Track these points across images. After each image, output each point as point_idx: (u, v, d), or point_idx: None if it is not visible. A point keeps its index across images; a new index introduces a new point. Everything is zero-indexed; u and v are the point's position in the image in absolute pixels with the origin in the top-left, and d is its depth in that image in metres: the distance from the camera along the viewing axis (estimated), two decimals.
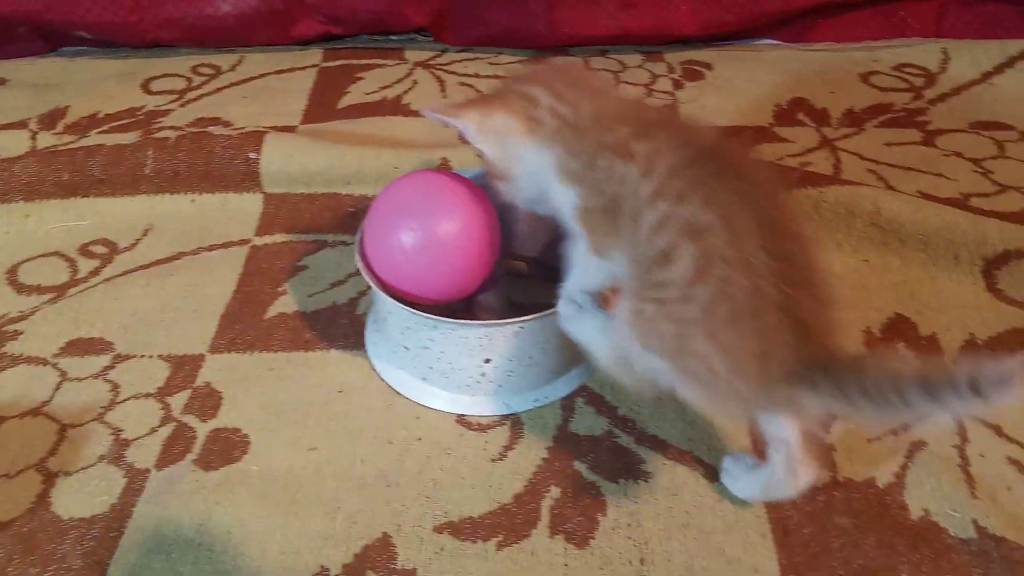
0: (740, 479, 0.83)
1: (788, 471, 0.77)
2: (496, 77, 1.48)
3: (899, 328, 0.99)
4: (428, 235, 0.88)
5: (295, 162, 1.19)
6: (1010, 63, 1.45)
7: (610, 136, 0.76)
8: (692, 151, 0.73)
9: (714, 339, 0.68)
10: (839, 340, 0.68)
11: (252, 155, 1.20)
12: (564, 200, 0.80)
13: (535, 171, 0.82)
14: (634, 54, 1.56)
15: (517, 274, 1.04)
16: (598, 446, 0.88)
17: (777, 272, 0.67)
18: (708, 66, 1.52)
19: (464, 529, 0.81)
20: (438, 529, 0.81)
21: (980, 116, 1.35)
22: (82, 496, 0.83)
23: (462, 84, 1.47)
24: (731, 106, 1.40)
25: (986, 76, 1.44)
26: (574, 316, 0.83)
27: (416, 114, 1.36)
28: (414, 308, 0.86)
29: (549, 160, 0.80)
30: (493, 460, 0.87)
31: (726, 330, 0.68)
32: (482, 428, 0.90)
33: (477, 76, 1.49)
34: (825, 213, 1.11)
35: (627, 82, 1.47)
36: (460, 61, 1.54)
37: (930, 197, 1.15)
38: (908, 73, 1.47)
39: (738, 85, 1.46)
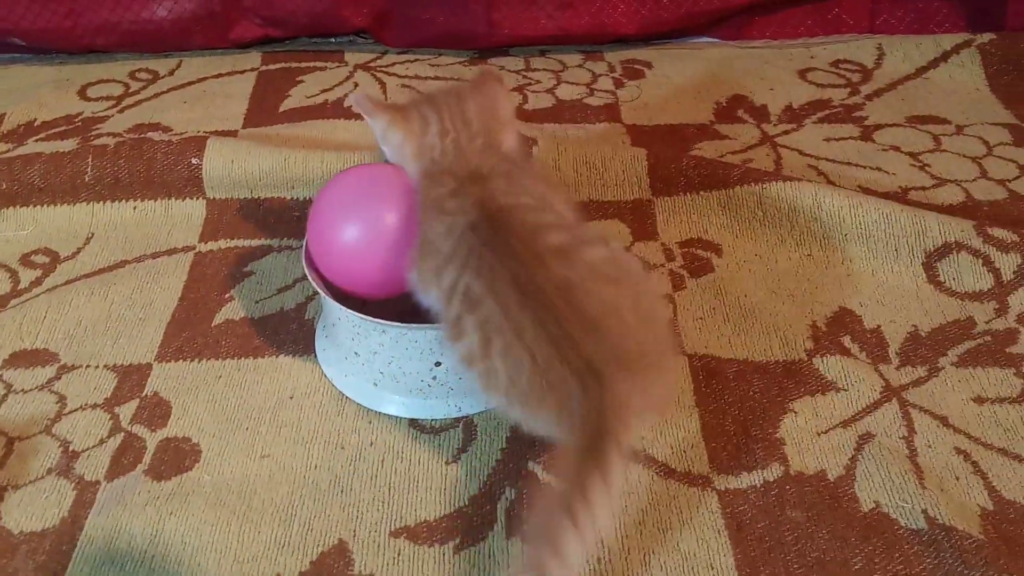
0: None
1: None
2: (437, 79, 1.48)
3: (844, 321, 1.02)
4: (372, 228, 0.87)
5: (238, 167, 1.18)
6: (944, 57, 1.50)
7: (437, 189, 0.81)
8: (478, 214, 0.76)
9: (525, 407, 0.73)
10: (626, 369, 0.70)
11: (194, 160, 1.18)
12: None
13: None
14: (575, 53, 1.57)
15: None
16: (552, 447, 0.89)
17: (544, 326, 0.70)
18: (648, 64, 1.54)
19: (421, 533, 0.81)
20: (395, 533, 0.81)
21: (916, 110, 1.39)
22: (33, 510, 0.82)
23: (403, 86, 1.47)
24: (672, 104, 1.42)
25: (920, 71, 1.48)
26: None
27: (358, 117, 1.35)
28: (364, 311, 0.86)
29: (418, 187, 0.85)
30: (447, 463, 0.87)
31: (530, 395, 0.71)
32: (435, 431, 0.91)
33: (418, 77, 1.49)
34: (768, 209, 1.14)
35: (568, 82, 1.48)
36: (401, 63, 1.54)
37: (870, 191, 1.18)
38: (844, 69, 1.51)
39: (678, 83, 1.48)
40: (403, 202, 0.87)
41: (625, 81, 1.49)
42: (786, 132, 1.35)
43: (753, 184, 1.15)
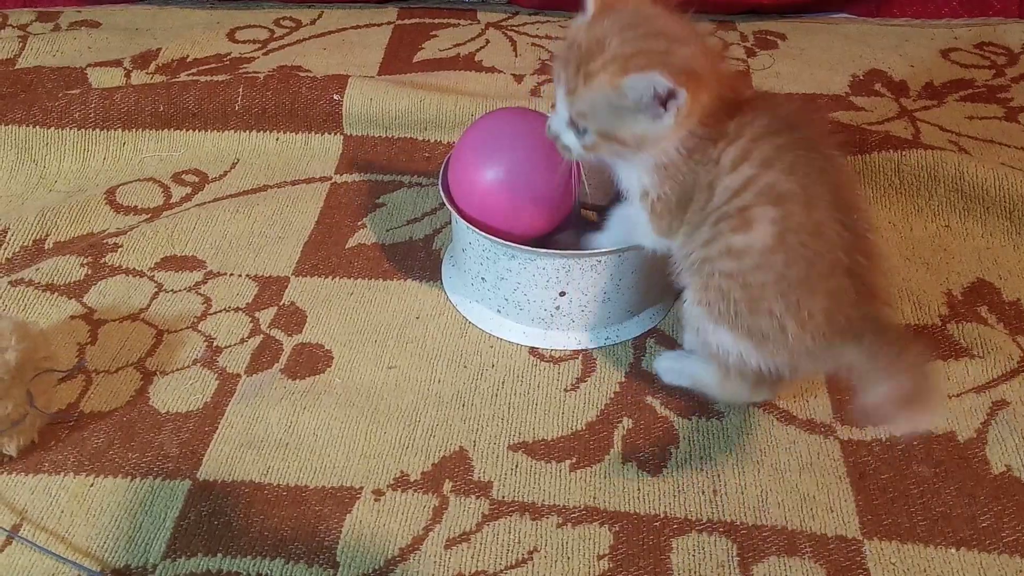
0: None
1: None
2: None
3: (981, 292, 0.99)
4: (513, 170, 0.90)
5: (376, 105, 1.22)
6: None
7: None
8: (775, 121, 0.74)
9: (786, 298, 0.71)
10: (891, 307, 0.73)
11: (336, 97, 1.22)
12: (634, 184, 0.80)
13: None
14: (706, 22, 1.56)
15: (586, 223, 1.05)
16: (670, 384, 0.89)
17: (846, 240, 0.71)
18: (782, 36, 1.51)
19: (538, 450, 0.83)
20: (513, 447, 0.83)
21: None
22: (178, 394, 0.87)
23: (534, 45, 1.48)
24: (806, 74, 1.40)
25: None
26: (676, 368, 0.88)
27: (490, 70, 1.38)
28: None
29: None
30: (566, 390, 0.89)
31: (799, 289, 0.71)
32: (554, 360, 0.92)
33: (548, 37, 1.50)
34: (906, 176, 1.11)
35: None
36: (532, 23, 1.56)
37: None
38: (989, 52, 1.45)
39: (813, 55, 1.45)
40: (545, 147, 0.89)
41: (757, 51, 1.47)
42: (926, 108, 1.31)
43: (892, 151, 1.13)
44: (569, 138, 0.78)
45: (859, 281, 0.71)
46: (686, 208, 0.77)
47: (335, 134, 1.23)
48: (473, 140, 0.93)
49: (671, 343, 0.94)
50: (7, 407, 0.76)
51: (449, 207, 0.92)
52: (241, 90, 1.22)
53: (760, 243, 0.71)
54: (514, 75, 1.37)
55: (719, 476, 0.81)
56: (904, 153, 1.12)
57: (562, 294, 0.91)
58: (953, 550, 0.74)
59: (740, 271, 0.73)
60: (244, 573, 0.72)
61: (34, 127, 1.16)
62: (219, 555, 0.73)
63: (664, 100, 0.70)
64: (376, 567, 0.73)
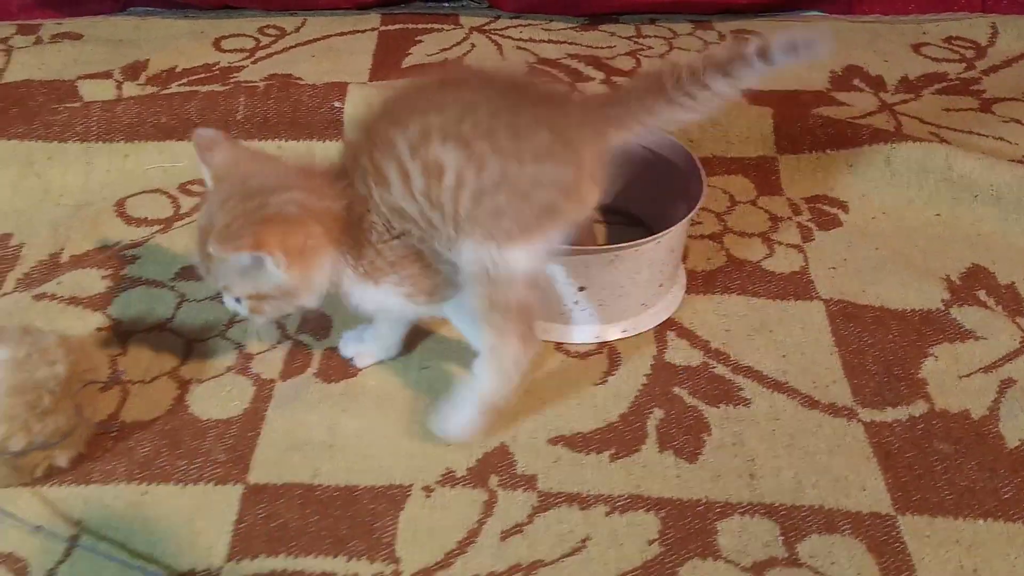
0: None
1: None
2: (551, 42, 1.51)
3: (978, 277, 1.04)
4: None
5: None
6: None
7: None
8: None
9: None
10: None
11: (336, 104, 1.23)
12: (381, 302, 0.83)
13: None
14: (684, 23, 1.59)
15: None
16: (695, 375, 0.92)
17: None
18: (758, 34, 1.55)
19: (577, 442, 0.85)
20: (552, 441, 0.85)
21: None
22: (216, 400, 0.88)
23: (519, 48, 1.50)
24: (786, 71, 1.43)
25: None
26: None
27: None
28: None
29: None
30: (595, 384, 0.91)
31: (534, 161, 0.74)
32: (580, 356, 0.94)
33: (532, 40, 1.52)
34: (897, 168, 1.16)
35: (681, 48, 1.51)
36: (515, 27, 1.57)
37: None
38: (958, 45, 1.51)
39: None
40: None
41: None
42: (904, 101, 1.36)
43: (883, 144, 1.17)
44: (238, 307, 0.80)
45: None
46: (432, 257, 0.79)
47: (337, 140, 1.23)
48: None
49: (691, 335, 0.96)
50: (59, 420, 0.77)
51: None
52: (242, 99, 1.22)
53: (454, 177, 0.73)
54: None
55: (753, 461, 0.84)
56: (894, 146, 1.16)
57: (581, 289, 0.93)
58: (981, 521, 0.78)
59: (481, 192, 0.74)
60: (308, 572, 0.73)
61: (36, 141, 1.15)
62: (281, 555, 0.75)
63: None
64: (437, 559, 0.75)
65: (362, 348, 0.92)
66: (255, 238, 0.71)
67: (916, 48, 1.50)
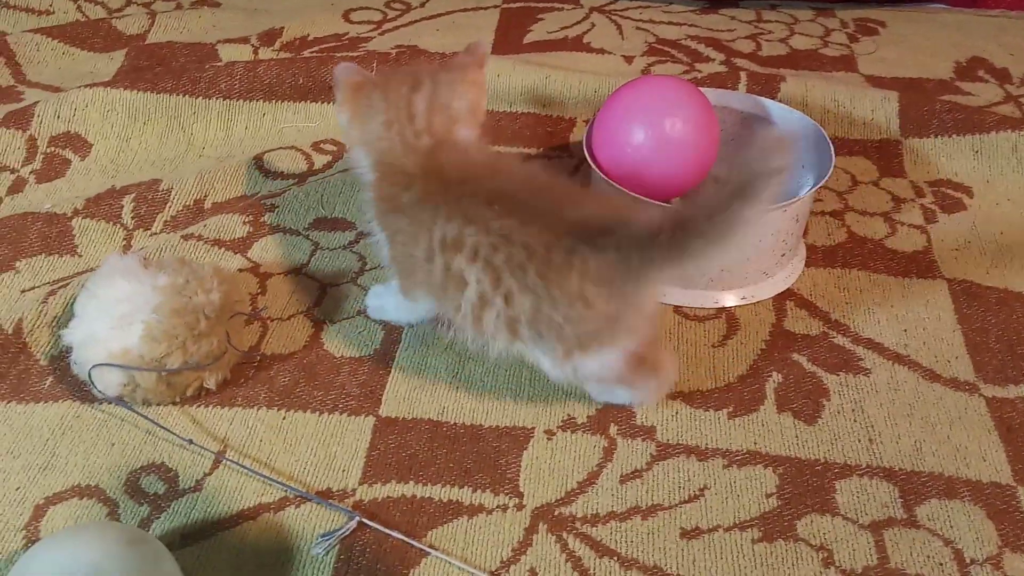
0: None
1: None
2: (670, 24, 1.52)
3: None
4: (659, 132, 0.94)
5: (503, 80, 1.26)
6: None
7: (389, 187, 0.81)
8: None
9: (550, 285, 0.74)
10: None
11: None
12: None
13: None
14: (806, 9, 1.59)
15: None
16: (814, 343, 0.93)
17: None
18: (882, 23, 1.54)
19: (695, 399, 0.87)
20: (671, 397, 0.87)
21: None
22: (349, 340, 0.92)
23: (639, 28, 1.52)
24: (910, 60, 1.42)
25: None
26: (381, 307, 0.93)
27: (600, 51, 1.42)
28: None
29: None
30: (714, 346, 0.93)
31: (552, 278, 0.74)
32: (699, 319, 0.96)
33: (652, 22, 1.54)
34: (1023, 155, 1.14)
35: (802, 33, 1.50)
36: (634, 8, 1.59)
37: None
38: None
39: (915, 42, 1.48)
40: (688, 111, 0.94)
41: (860, 37, 1.50)
42: None
43: (1010, 131, 1.15)
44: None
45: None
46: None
47: None
48: (626, 104, 0.97)
49: (811, 306, 0.97)
50: (211, 343, 0.82)
51: (592, 166, 0.96)
52: (375, 64, 1.27)
53: (475, 289, 0.77)
54: (624, 56, 1.41)
55: (872, 427, 0.84)
56: (1022, 133, 1.14)
57: None
58: None
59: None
60: (436, 499, 0.77)
61: (183, 96, 1.22)
62: (411, 482, 0.78)
63: None
64: (558, 497, 0.77)
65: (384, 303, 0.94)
66: None
67: None
